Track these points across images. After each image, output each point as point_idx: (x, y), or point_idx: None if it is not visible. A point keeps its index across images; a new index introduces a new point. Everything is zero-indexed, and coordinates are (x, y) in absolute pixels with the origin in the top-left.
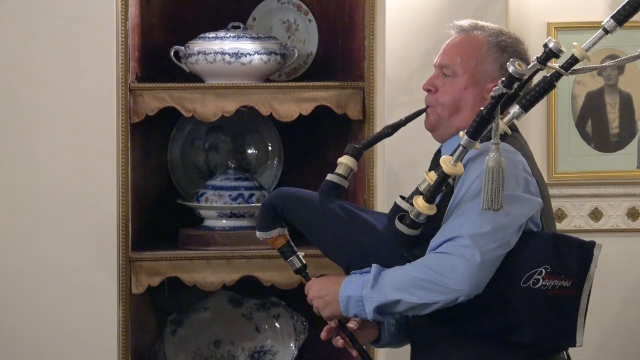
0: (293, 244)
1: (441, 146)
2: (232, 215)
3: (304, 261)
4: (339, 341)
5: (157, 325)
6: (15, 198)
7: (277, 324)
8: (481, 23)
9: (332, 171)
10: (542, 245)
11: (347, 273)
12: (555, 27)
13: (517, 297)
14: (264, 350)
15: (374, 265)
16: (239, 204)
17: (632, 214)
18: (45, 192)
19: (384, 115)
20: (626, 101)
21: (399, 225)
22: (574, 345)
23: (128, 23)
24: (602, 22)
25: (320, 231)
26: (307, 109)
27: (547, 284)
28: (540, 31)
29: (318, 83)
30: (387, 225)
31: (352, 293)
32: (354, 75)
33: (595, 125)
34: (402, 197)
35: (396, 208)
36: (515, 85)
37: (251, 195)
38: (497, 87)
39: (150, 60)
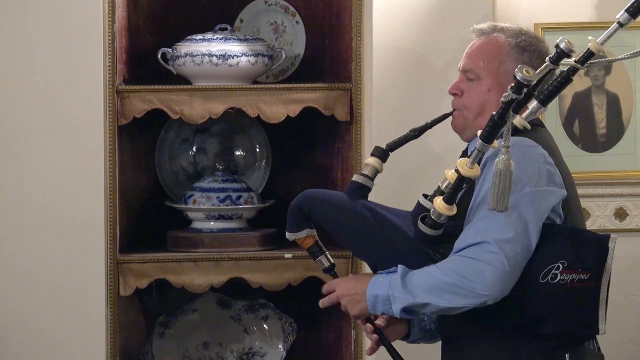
0: (321, 244)
1: (468, 145)
2: (220, 217)
3: (332, 260)
4: (373, 336)
5: (146, 327)
6: (2, 200)
7: (265, 326)
8: (500, 25)
9: (319, 172)
10: (558, 241)
11: (374, 271)
12: (542, 28)
13: (537, 292)
14: (253, 351)
15: (399, 266)
16: (227, 205)
17: (620, 214)
18: (33, 194)
19: (371, 117)
20: (613, 101)
21: (421, 226)
22: (597, 333)
23: (115, 25)
24: (589, 22)
25: (347, 231)
26: (294, 110)
27: (565, 278)
28: None
29: (305, 85)
30: (412, 225)
31: (379, 292)
32: (342, 76)
33: (583, 126)
34: (425, 196)
35: (419, 207)
36: (525, 91)
37: (239, 197)
38: (507, 94)
39: (137, 63)
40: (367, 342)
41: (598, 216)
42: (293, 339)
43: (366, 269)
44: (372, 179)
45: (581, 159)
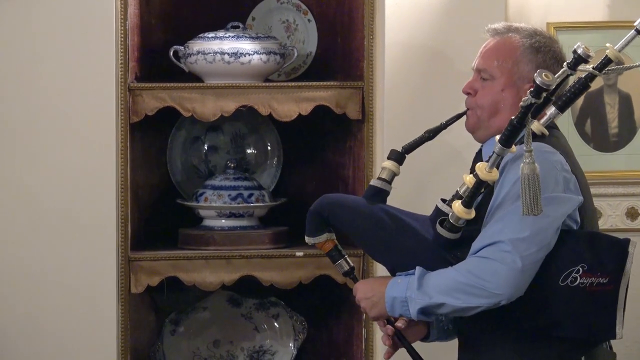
0: (341, 248)
1: (482, 146)
2: (232, 215)
3: (351, 264)
4: (386, 340)
5: (156, 325)
6: (14, 197)
7: (276, 324)
8: (515, 25)
9: (330, 170)
10: (578, 244)
11: (393, 275)
12: (554, 27)
13: (556, 295)
14: (263, 350)
15: (417, 268)
16: (239, 203)
17: (631, 214)
18: (45, 191)
19: (383, 115)
20: (625, 101)
21: (439, 229)
22: (614, 337)
23: (127, 23)
24: (601, 21)
25: (366, 236)
26: (306, 108)
27: (585, 281)
28: None
29: (317, 83)
30: (430, 229)
31: (397, 294)
32: (354, 75)
33: (595, 125)
34: (443, 200)
35: (437, 211)
36: (544, 95)
37: (250, 195)
38: (526, 98)
39: (149, 60)
40: (378, 341)
41: (610, 216)
42: (304, 337)
43: (379, 268)
44: (389, 182)
45: (593, 158)
